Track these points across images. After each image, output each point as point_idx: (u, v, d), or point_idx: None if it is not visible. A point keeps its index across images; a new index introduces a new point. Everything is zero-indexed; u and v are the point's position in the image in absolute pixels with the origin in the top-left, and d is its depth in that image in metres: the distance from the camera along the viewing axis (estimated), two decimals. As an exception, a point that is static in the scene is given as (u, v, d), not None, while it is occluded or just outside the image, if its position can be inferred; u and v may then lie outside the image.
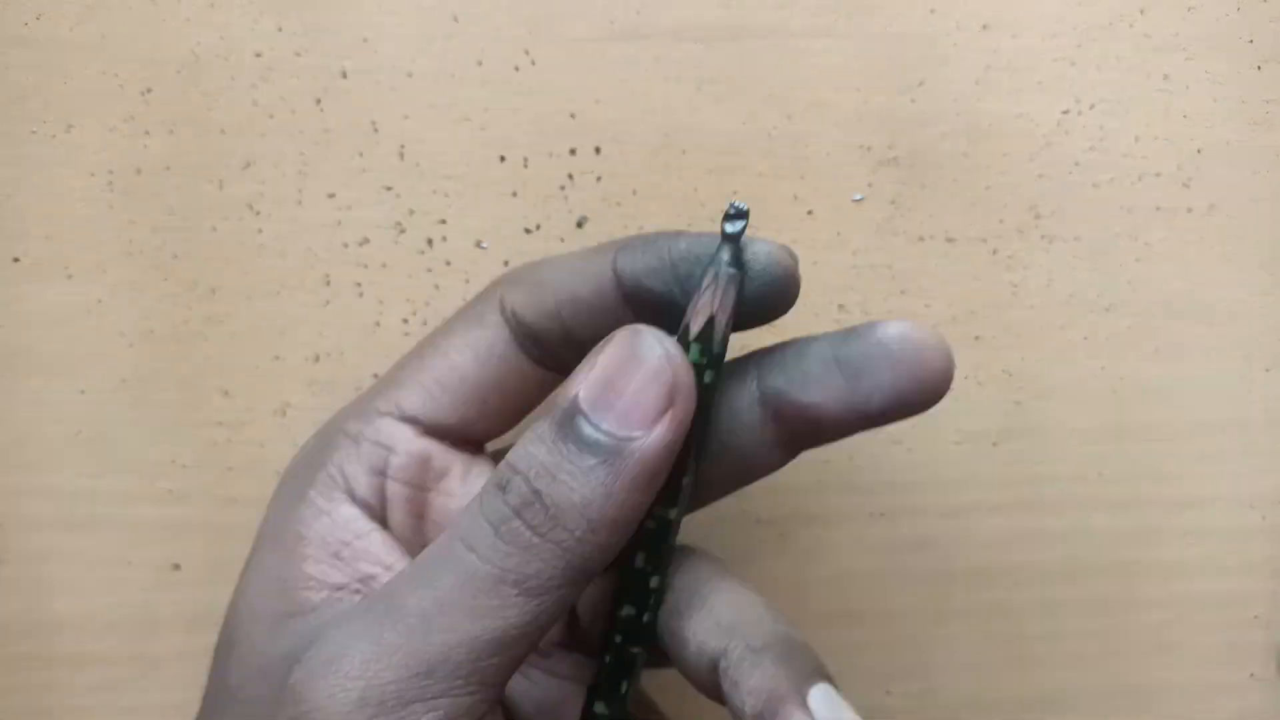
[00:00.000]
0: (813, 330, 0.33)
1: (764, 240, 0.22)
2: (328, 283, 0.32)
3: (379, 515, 0.24)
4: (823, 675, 0.21)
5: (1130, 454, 0.34)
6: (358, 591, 0.22)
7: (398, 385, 0.24)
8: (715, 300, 0.22)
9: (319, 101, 0.31)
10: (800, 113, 0.32)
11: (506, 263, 0.32)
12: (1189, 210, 0.33)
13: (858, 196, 0.33)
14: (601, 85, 0.32)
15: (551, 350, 0.24)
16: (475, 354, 0.24)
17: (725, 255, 0.22)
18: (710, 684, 0.22)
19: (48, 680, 0.32)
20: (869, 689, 0.34)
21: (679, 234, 0.23)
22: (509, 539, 0.20)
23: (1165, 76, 0.33)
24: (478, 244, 0.32)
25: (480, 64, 0.32)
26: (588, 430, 0.20)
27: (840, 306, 0.33)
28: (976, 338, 0.33)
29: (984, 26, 0.33)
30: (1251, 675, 0.34)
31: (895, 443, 0.33)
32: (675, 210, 0.32)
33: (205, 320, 0.32)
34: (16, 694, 0.32)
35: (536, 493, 0.20)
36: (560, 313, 0.23)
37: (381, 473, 0.23)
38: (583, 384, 0.20)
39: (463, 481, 0.24)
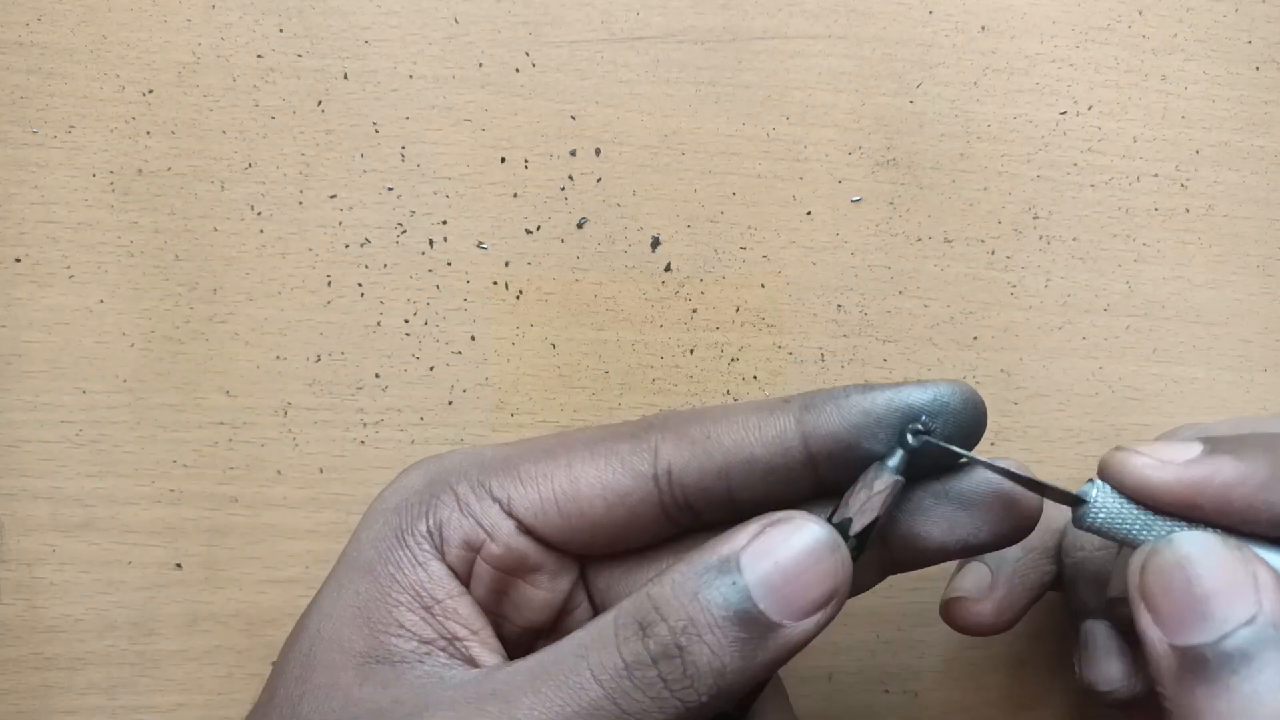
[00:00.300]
0: (811, 331, 0.33)
1: (953, 382, 0.23)
2: (329, 283, 0.32)
3: (465, 582, 0.23)
4: None
5: (1128, 454, 0.34)
6: (444, 650, 0.22)
7: (518, 478, 0.23)
8: (882, 505, 0.21)
9: (320, 103, 0.32)
10: (799, 114, 0.32)
11: (507, 263, 0.32)
12: (1187, 211, 0.34)
13: (856, 198, 0.33)
14: (601, 87, 0.32)
15: (699, 511, 0.23)
16: (606, 499, 0.23)
17: (898, 462, 0.22)
18: None
19: (47, 681, 0.32)
20: (867, 688, 0.34)
21: (868, 387, 0.22)
22: (640, 684, 0.20)
23: (1163, 78, 0.33)
24: (478, 244, 0.32)
25: (481, 66, 0.32)
26: (748, 604, 0.20)
27: (839, 307, 0.33)
28: (974, 338, 0.33)
29: (982, 28, 0.33)
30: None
31: (894, 443, 0.33)
32: (675, 211, 0.32)
33: (206, 320, 0.32)
34: (16, 694, 0.32)
35: (679, 648, 0.20)
36: (730, 474, 0.22)
37: (475, 549, 0.23)
38: (749, 554, 0.20)
39: (551, 579, 0.24)
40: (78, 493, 0.32)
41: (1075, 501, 0.22)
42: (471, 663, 0.22)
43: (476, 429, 0.32)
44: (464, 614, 0.23)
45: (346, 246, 0.32)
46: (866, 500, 0.22)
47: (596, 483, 0.23)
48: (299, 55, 0.31)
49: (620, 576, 0.24)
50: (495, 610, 0.24)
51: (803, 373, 0.33)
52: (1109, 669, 0.28)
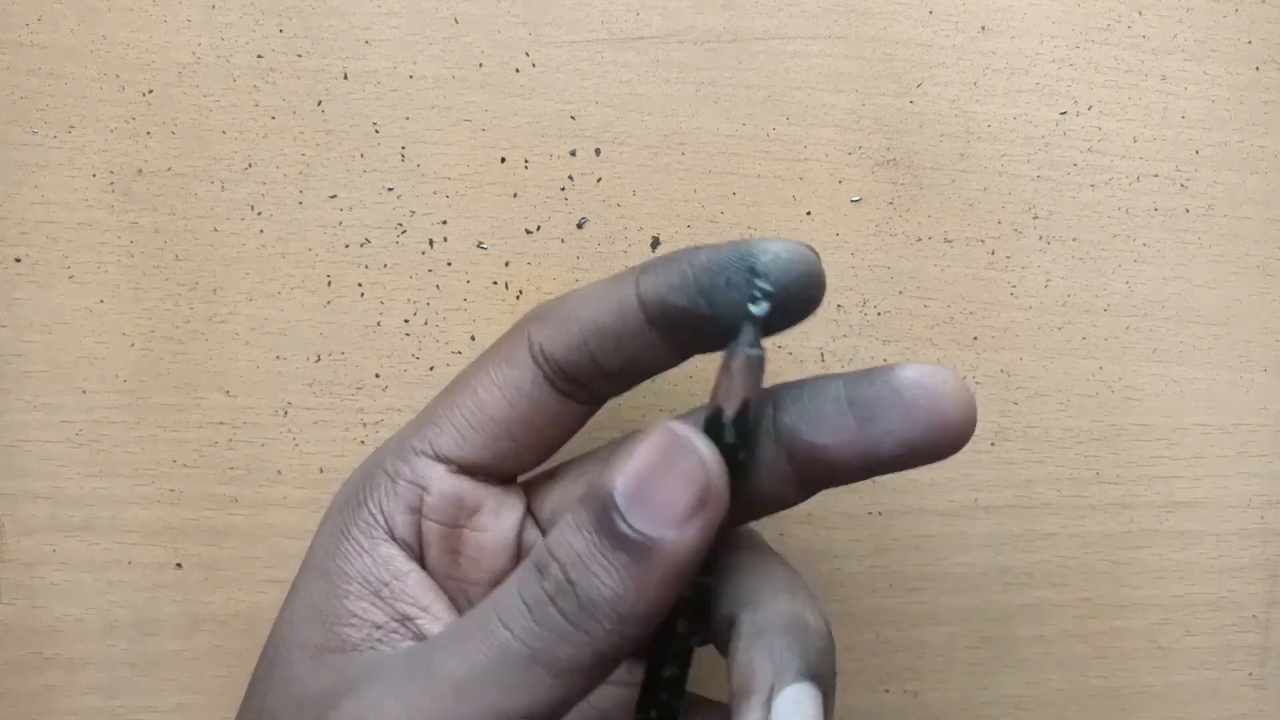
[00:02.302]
0: (811, 330, 0.33)
1: (781, 241, 0.22)
2: (329, 283, 0.32)
3: (417, 554, 0.24)
4: (807, 675, 0.21)
5: (1126, 455, 0.34)
6: (395, 632, 0.23)
7: (432, 424, 0.24)
8: (744, 383, 0.21)
9: (320, 103, 0.32)
10: (798, 114, 0.32)
11: (507, 263, 0.32)
12: (1186, 211, 0.34)
13: (856, 198, 0.33)
14: (601, 87, 0.32)
15: (582, 383, 0.24)
16: (504, 393, 0.24)
17: (749, 335, 0.21)
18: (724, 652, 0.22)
19: (47, 682, 0.32)
20: (866, 688, 0.34)
21: (697, 249, 0.23)
22: (543, 623, 0.20)
23: (1163, 78, 0.33)
24: (478, 245, 0.32)
25: (481, 66, 0.32)
26: (621, 527, 0.20)
27: (839, 307, 0.33)
28: (974, 338, 0.33)
29: (982, 28, 0.33)
30: (1250, 675, 0.35)
31: (894, 443, 0.33)
32: (675, 211, 0.32)
33: (206, 321, 0.32)
34: (16, 696, 0.32)
35: (571, 582, 0.20)
36: (587, 344, 0.23)
37: (417, 511, 0.24)
38: (619, 476, 0.20)
39: (495, 516, 0.25)
40: (78, 493, 0.32)
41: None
42: (422, 639, 0.23)
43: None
44: (413, 592, 0.23)
45: (346, 246, 0.32)
46: (728, 384, 0.21)
47: (492, 386, 0.24)
48: (299, 55, 0.31)
49: (560, 503, 0.25)
50: (455, 575, 0.25)
51: (803, 373, 0.33)
52: None
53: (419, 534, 0.24)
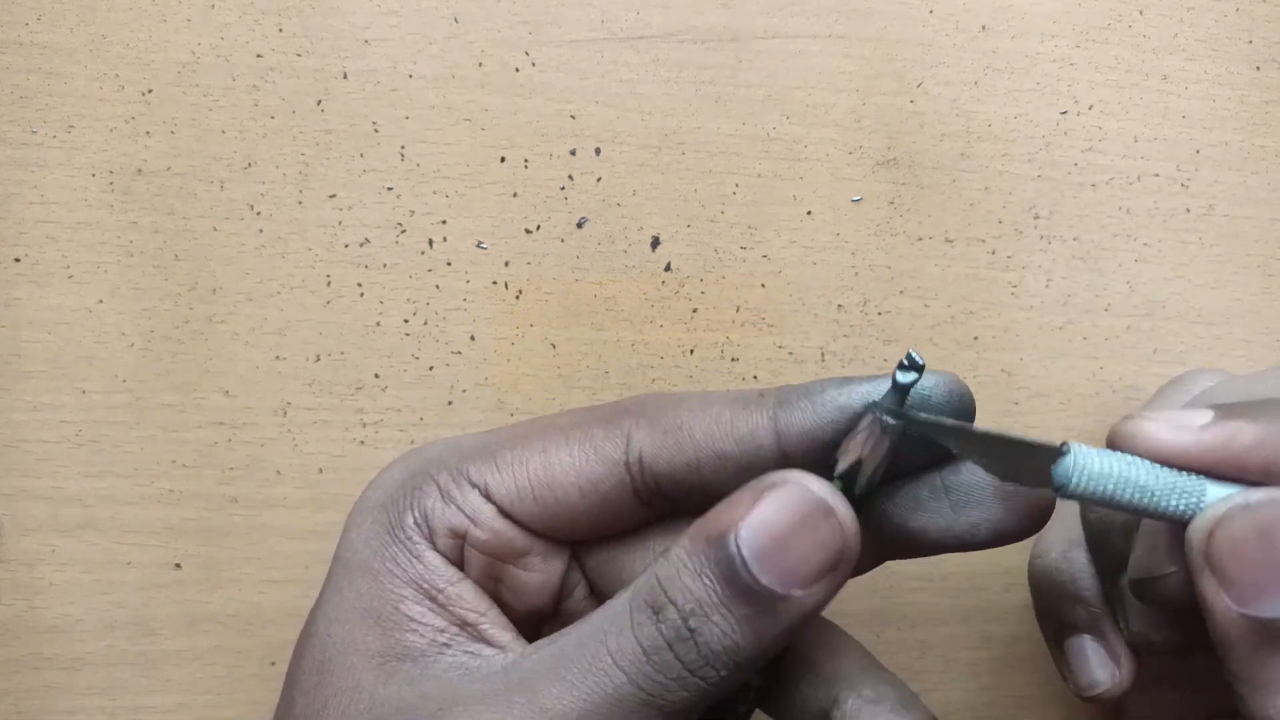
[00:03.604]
0: (812, 330, 0.33)
1: (940, 373, 0.22)
2: (328, 283, 0.32)
3: (460, 568, 0.24)
4: None
5: (1129, 454, 0.34)
6: (458, 637, 0.22)
7: (495, 465, 0.23)
8: (867, 445, 0.21)
9: (320, 102, 0.32)
10: (799, 114, 0.32)
11: (507, 263, 0.32)
12: (1187, 211, 0.34)
13: (857, 197, 0.33)
14: (601, 86, 0.32)
15: (672, 499, 0.23)
16: (580, 487, 0.23)
17: (890, 402, 0.21)
18: None
19: (47, 681, 0.32)
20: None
21: (844, 382, 0.22)
22: (660, 668, 0.20)
23: (1164, 77, 0.33)
24: (478, 244, 0.32)
25: (480, 65, 0.32)
26: (748, 580, 0.20)
27: (839, 307, 0.33)
28: (975, 338, 0.33)
29: (982, 28, 0.33)
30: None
31: (894, 443, 0.33)
32: (675, 210, 0.32)
33: (206, 320, 0.32)
34: (16, 695, 0.32)
35: (691, 630, 0.20)
36: (701, 468, 0.22)
37: (462, 537, 0.23)
38: (745, 527, 0.20)
39: (542, 560, 0.24)
40: (77, 493, 0.32)
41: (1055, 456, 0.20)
42: (489, 643, 0.22)
43: (476, 429, 0.32)
44: (469, 598, 0.23)
45: (346, 246, 0.32)
46: (849, 441, 0.21)
47: (571, 470, 0.23)
48: (298, 55, 0.31)
49: (611, 558, 0.24)
50: (494, 595, 0.24)
51: (803, 373, 0.33)
52: (1098, 675, 0.28)
53: (461, 555, 0.23)
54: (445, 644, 0.22)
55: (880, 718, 0.21)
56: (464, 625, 0.22)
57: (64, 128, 0.31)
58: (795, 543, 0.20)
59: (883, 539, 0.23)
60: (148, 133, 0.31)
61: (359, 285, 0.32)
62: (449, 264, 0.32)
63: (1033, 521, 0.22)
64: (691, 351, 0.33)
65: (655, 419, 0.23)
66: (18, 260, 0.31)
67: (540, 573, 0.24)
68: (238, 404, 0.32)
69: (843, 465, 0.21)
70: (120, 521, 0.32)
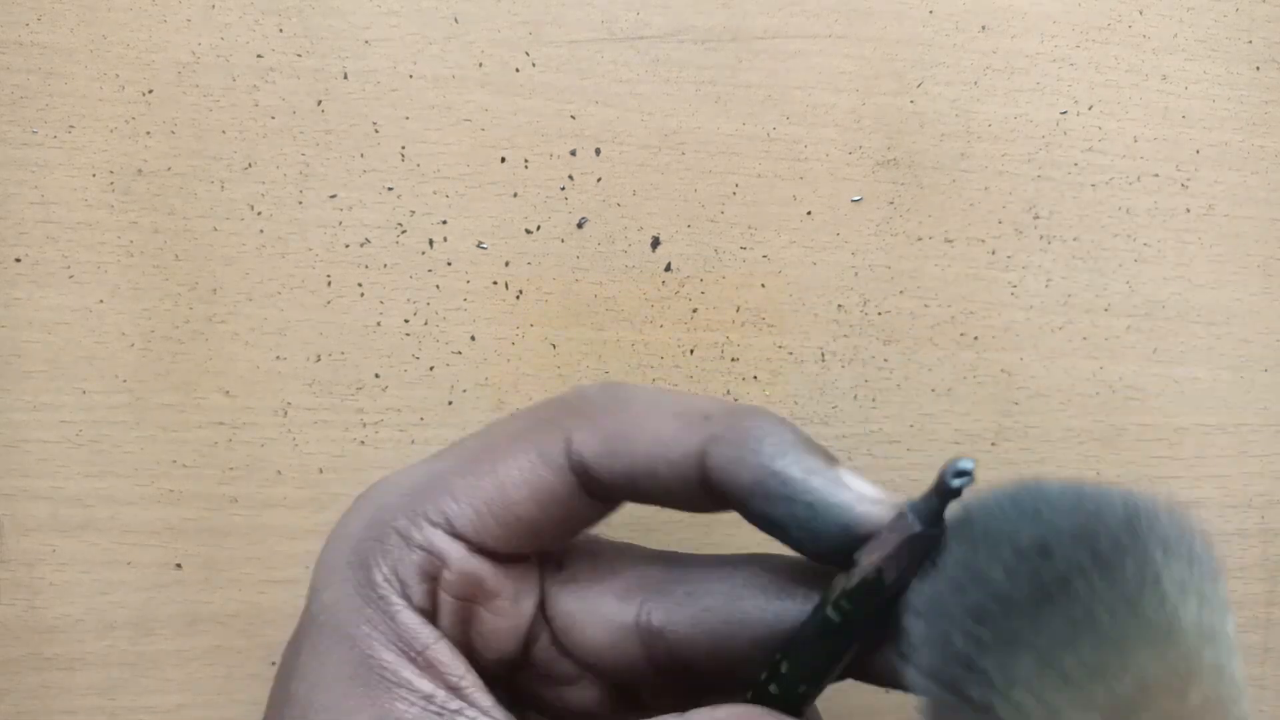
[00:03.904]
0: (812, 330, 0.33)
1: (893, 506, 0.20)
2: (329, 283, 0.32)
3: (434, 620, 0.23)
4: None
5: (1127, 455, 0.34)
6: (449, 703, 0.22)
7: (450, 496, 0.23)
8: (904, 560, 0.18)
9: (320, 102, 0.32)
10: (799, 114, 0.32)
11: (507, 263, 0.32)
12: (1187, 211, 0.34)
13: (857, 197, 0.33)
14: (601, 86, 0.32)
15: (620, 498, 0.23)
16: (534, 496, 0.22)
17: (926, 506, 0.18)
18: None
19: (46, 681, 0.32)
20: (867, 688, 0.34)
21: (784, 453, 0.21)
22: None
23: (1164, 77, 0.33)
24: (478, 244, 0.32)
25: (481, 65, 0.32)
26: None
27: (839, 307, 0.33)
28: (975, 338, 0.33)
29: (982, 28, 0.33)
30: (1250, 675, 0.35)
31: (894, 442, 0.33)
32: (675, 211, 0.32)
33: (206, 320, 0.32)
34: (16, 695, 0.32)
35: None
36: (636, 480, 0.22)
37: (433, 579, 0.22)
38: None
39: (513, 602, 0.23)
40: (77, 493, 0.32)
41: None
42: (472, 705, 0.22)
43: (476, 429, 0.32)
44: (448, 660, 0.22)
45: (346, 246, 0.32)
46: (873, 546, 0.18)
47: (522, 483, 0.22)
48: (299, 55, 0.31)
49: (577, 601, 0.24)
50: (465, 645, 0.23)
51: (803, 373, 0.33)
52: None
53: (435, 602, 0.23)
54: (437, 712, 0.21)
55: None
56: (452, 690, 0.22)
57: (64, 128, 0.31)
58: None
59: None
60: (148, 133, 0.31)
61: (359, 285, 0.32)
62: (449, 264, 0.32)
63: None
64: (691, 351, 0.33)
65: (598, 421, 0.22)
66: (18, 260, 0.31)
67: (510, 618, 0.23)
68: (238, 404, 0.32)
69: (855, 577, 0.19)
70: (120, 521, 0.32)
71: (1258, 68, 0.34)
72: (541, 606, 0.24)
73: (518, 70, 0.32)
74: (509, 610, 0.23)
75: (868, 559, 0.18)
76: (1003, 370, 0.33)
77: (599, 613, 0.24)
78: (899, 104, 0.33)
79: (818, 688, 0.21)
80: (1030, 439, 0.33)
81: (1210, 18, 0.33)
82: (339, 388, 0.32)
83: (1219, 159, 0.33)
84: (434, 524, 0.22)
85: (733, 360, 0.33)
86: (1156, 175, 0.33)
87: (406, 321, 0.32)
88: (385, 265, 0.32)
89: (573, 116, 0.32)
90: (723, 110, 0.32)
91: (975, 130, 0.33)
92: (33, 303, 0.31)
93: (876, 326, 0.33)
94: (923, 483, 0.33)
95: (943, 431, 0.33)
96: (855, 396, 0.33)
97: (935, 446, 0.33)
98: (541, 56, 0.32)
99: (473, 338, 0.32)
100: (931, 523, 0.18)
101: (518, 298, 0.32)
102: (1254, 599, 0.34)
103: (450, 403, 0.32)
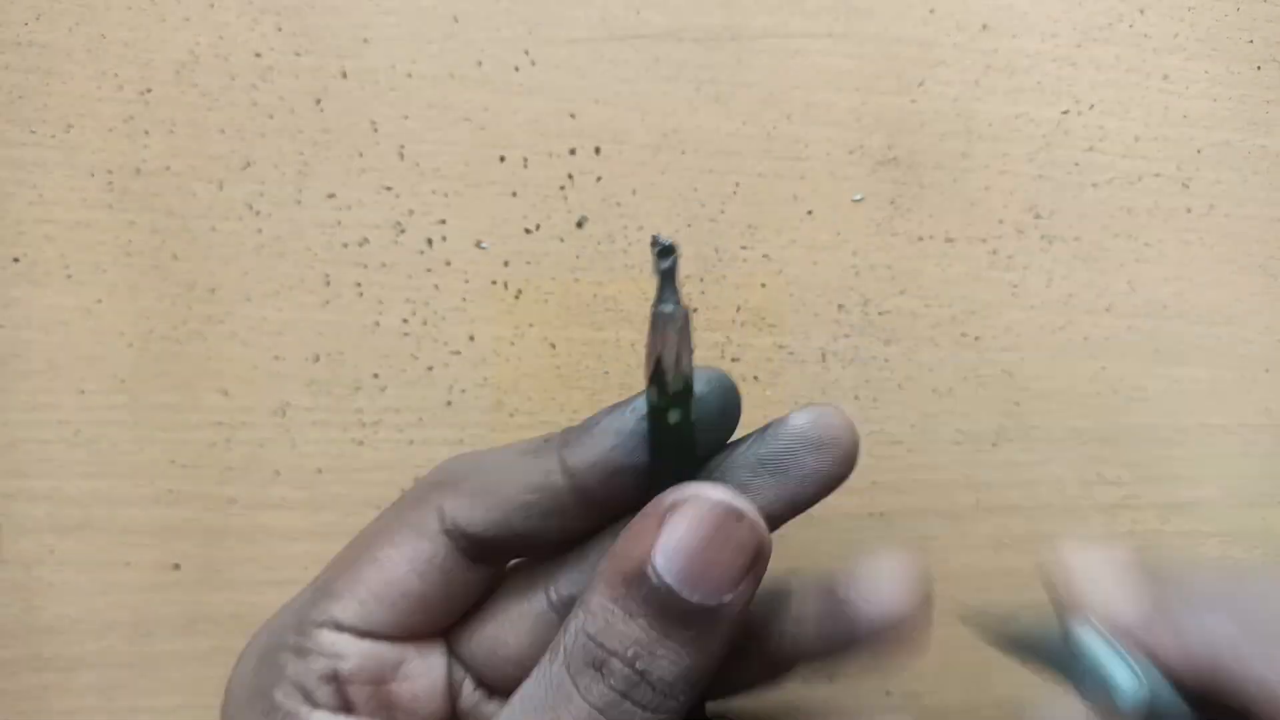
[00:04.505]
0: (813, 330, 0.33)
1: (708, 370, 0.23)
2: (327, 283, 0.32)
3: (348, 711, 0.23)
4: None
5: (1129, 456, 0.34)
6: None
7: (331, 596, 0.23)
8: (659, 343, 0.21)
9: (319, 102, 0.31)
10: (799, 113, 0.32)
11: (506, 263, 0.32)
12: (1188, 210, 0.33)
13: (857, 196, 0.33)
14: (601, 86, 0.32)
15: (500, 551, 0.23)
16: (415, 568, 0.23)
17: (661, 293, 0.21)
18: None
19: (45, 682, 0.32)
20: (867, 689, 0.34)
21: (615, 406, 0.23)
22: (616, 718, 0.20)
23: (1165, 77, 0.33)
24: (477, 244, 0.32)
25: (480, 64, 0.32)
26: (682, 605, 0.20)
27: (840, 306, 0.33)
28: (976, 338, 0.33)
29: (983, 27, 0.33)
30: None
31: (895, 443, 0.33)
32: (675, 210, 0.32)
33: (204, 320, 0.32)
34: (14, 696, 0.32)
35: (641, 673, 0.20)
36: (511, 522, 0.23)
37: (335, 679, 0.23)
38: (660, 555, 0.20)
39: (423, 662, 0.24)
40: (75, 493, 0.31)
41: None
42: None
43: (475, 429, 0.32)
44: None
45: (345, 246, 0.32)
46: (654, 348, 0.21)
47: (402, 561, 0.23)
48: (297, 54, 0.31)
49: (481, 639, 0.24)
50: None
51: (804, 373, 0.33)
52: None
53: (346, 699, 0.23)
54: None
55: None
56: None
57: (62, 127, 0.31)
58: (714, 554, 0.20)
59: None
60: (146, 132, 0.31)
61: (358, 285, 0.32)
62: (448, 264, 0.32)
63: (845, 464, 0.23)
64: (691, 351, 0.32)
65: (460, 485, 0.23)
66: (16, 260, 0.31)
67: (423, 677, 0.24)
68: (236, 404, 0.32)
69: (648, 371, 0.21)
70: (118, 522, 0.32)
71: (1259, 67, 0.33)
72: (455, 653, 0.25)
73: (517, 69, 0.32)
74: (419, 670, 0.24)
75: (648, 354, 0.21)
76: (1004, 370, 0.33)
77: (511, 623, 0.24)
78: (900, 103, 0.32)
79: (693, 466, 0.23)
80: (1032, 439, 0.33)
81: (1211, 17, 0.33)
82: (337, 388, 0.32)
83: (1220, 159, 0.33)
84: (321, 626, 0.23)
85: (733, 360, 0.32)
86: (1158, 175, 0.33)
87: (405, 321, 0.32)
88: (384, 265, 0.32)
89: (572, 115, 0.32)
90: (723, 109, 0.32)
91: (976, 129, 0.33)
92: (31, 302, 0.31)
93: (877, 326, 0.33)
94: (924, 483, 0.33)
95: (944, 432, 0.33)
96: (856, 397, 0.33)
97: (937, 447, 0.33)
98: (541, 55, 0.32)
99: (472, 337, 0.32)
100: (664, 301, 0.21)
101: (517, 297, 0.32)
102: (1255, 600, 0.34)
103: (449, 403, 0.32)
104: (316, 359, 0.32)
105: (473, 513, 0.23)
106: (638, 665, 0.20)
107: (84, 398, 0.31)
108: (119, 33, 0.31)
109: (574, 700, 0.20)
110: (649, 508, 0.21)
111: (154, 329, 0.31)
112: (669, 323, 0.21)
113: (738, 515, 0.20)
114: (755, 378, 0.33)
